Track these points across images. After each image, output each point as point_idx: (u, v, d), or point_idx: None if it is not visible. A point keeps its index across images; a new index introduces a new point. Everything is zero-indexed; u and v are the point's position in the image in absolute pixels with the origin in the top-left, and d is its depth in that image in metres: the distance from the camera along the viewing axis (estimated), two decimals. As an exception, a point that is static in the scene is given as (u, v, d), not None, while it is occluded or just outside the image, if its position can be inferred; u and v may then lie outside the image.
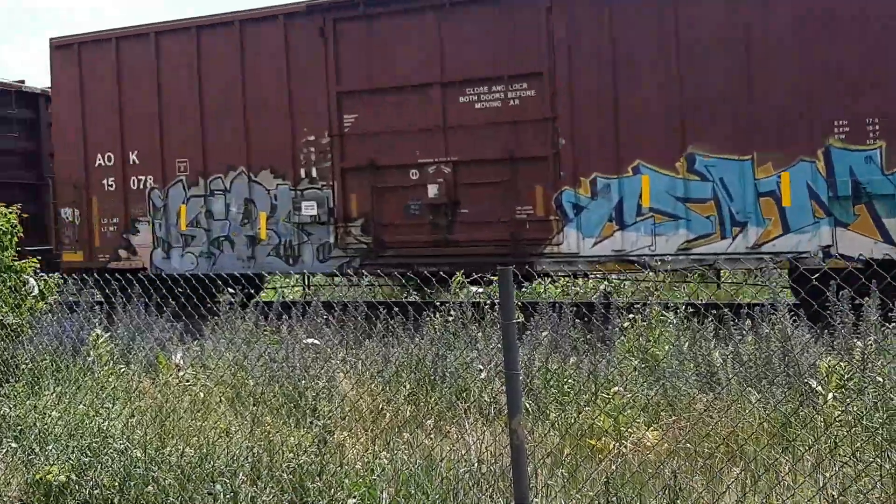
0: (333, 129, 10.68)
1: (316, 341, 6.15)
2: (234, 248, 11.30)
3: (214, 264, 11.27)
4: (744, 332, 5.72)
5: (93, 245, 12.17)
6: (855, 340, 5.26)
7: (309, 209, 10.73)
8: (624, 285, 10.92)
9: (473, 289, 7.20)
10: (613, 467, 4.08)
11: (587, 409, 4.94)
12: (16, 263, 6.21)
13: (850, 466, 3.75)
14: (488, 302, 6.44)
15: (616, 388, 4.78)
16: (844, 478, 3.66)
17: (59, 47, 12.44)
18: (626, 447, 4.42)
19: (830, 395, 4.60)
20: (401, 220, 10.37)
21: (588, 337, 6.14)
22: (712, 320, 5.93)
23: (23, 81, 14.48)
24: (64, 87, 12.37)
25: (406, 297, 10.86)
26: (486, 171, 9.94)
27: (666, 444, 4.38)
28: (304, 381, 5.42)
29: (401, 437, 4.69)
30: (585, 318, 6.51)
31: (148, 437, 4.64)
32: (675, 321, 6.04)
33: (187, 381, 5.84)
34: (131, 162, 11.93)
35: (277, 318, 6.98)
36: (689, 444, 4.30)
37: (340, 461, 4.33)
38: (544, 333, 6.15)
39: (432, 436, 4.77)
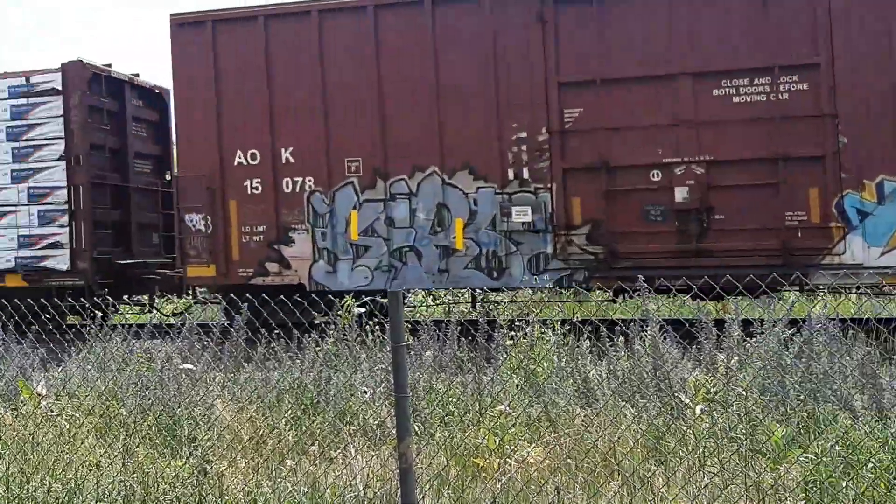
0: (553, 125, 9.46)
1: (191, 367, 5.93)
2: (420, 261, 9.88)
3: (395, 279, 9.90)
4: (618, 347, 5.96)
5: (229, 258, 10.39)
6: (718, 355, 5.58)
7: (521, 215, 9.54)
8: (504, 303, 11.11)
9: (357, 310, 7.15)
10: (499, 486, 4.15)
11: (472, 428, 5.00)
12: None
13: (718, 477, 3.97)
14: (370, 323, 6.42)
15: (500, 407, 4.87)
16: (714, 488, 3.87)
17: (185, 25, 10.57)
18: (510, 465, 4.50)
19: (698, 409, 4.86)
20: (638, 228, 9.26)
21: (472, 355, 6.22)
22: (587, 337, 6.14)
23: (137, 75, 13.13)
24: (191, 71, 10.55)
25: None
26: (747, 173, 9.00)
27: (548, 461, 4.49)
28: (179, 409, 5.21)
29: (284, 465, 4.59)
30: (470, 337, 6.60)
31: (10, 472, 4.33)
32: (553, 338, 6.21)
33: (52, 411, 5.50)
34: (284, 160, 10.25)
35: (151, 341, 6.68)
36: (570, 460, 4.43)
37: (220, 492, 4.19)
38: (427, 353, 6.18)
39: (317, 462, 4.68)
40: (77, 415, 5.32)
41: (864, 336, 5.98)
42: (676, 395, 5.11)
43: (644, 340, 5.75)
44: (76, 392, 5.96)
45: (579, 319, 5.84)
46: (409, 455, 3.60)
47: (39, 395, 5.84)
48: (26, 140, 11.76)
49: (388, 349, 4.25)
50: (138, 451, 4.75)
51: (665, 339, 5.79)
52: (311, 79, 10.15)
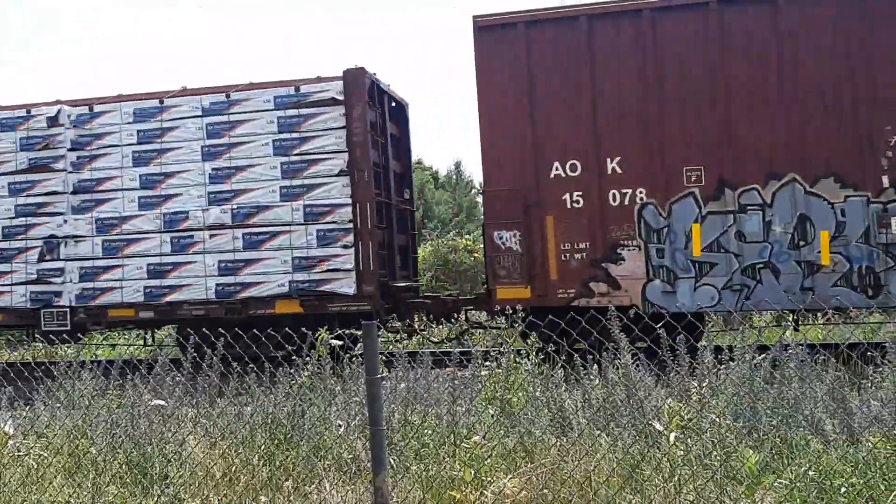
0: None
1: (162, 402, 5.84)
2: (778, 278, 9.13)
3: (747, 298, 9.15)
4: (591, 375, 5.98)
5: (547, 277, 9.68)
6: (691, 382, 5.62)
7: None
8: (477, 332, 11.10)
9: (333, 342, 7.10)
10: (475, 518, 4.12)
11: (448, 460, 4.97)
12: None
13: (694, 504, 3.99)
14: (347, 355, 6.37)
15: (476, 438, 4.85)
16: (690, 515, 3.88)
17: (491, 28, 10.00)
18: (486, 497, 4.47)
19: (672, 436, 4.89)
20: None
21: (448, 386, 6.20)
22: (562, 365, 6.15)
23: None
24: (499, 77, 9.92)
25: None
26: None
27: (525, 492, 4.47)
28: (150, 447, 5.12)
29: (257, 502, 4.52)
30: (444, 368, 6.58)
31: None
32: (528, 367, 6.22)
33: (18, 450, 5.38)
34: (609, 171, 9.58)
35: (120, 377, 6.56)
36: (546, 490, 4.41)
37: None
38: (402, 385, 6.15)
39: (291, 498, 4.62)
40: (45, 454, 5.21)
41: (833, 361, 6.06)
42: (651, 422, 5.13)
43: (617, 368, 5.78)
44: (43, 431, 5.84)
45: (553, 348, 5.86)
46: (385, 489, 3.58)
47: (6, 434, 5.72)
48: (298, 154, 10.84)
49: (363, 381, 4.24)
50: (108, 490, 4.66)
51: (638, 366, 5.82)
52: (640, 81, 9.60)
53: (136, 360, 6.73)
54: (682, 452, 4.58)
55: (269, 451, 5.40)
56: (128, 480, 4.92)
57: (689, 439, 4.70)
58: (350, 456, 5.30)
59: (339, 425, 5.58)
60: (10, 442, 5.59)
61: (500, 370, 6.22)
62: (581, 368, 5.88)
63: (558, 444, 5.19)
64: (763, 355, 5.84)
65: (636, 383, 5.48)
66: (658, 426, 5.01)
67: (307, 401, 5.84)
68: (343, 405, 5.78)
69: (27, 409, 6.30)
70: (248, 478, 4.96)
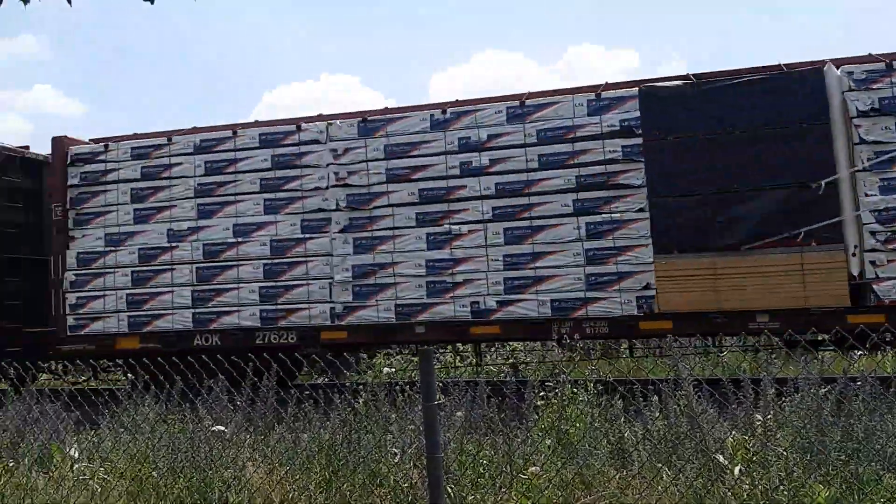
0: None
1: (223, 428, 5.92)
2: None
3: None
4: (652, 408, 5.86)
5: None
6: (755, 414, 5.46)
7: None
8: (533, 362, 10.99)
9: (386, 369, 7.12)
10: (534, 550, 4.05)
11: (503, 491, 4.91)
12: None
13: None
14: (401, 382, 6.37)
15: (533, 468, 4.79)
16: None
17: None
18: (545, 529, 4.40)
19: (737, 469, 4.75)
20: None
21: (503, 416, 6.14)
22: (620, 397, 6.04)
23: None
24: None
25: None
26: None
27: (584, 524, 4.39)
28: (210, 472, 5.18)
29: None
30: (500, 397, 6.53)
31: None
32: (586, 398, 6.12)
33: (83, 474, 5.50)
34: None
35: (180, 404, 6.68)
36: (606, 524, 4.32)
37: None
38: (459, 413, 6.12)
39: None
40: (109, 478, 5.32)
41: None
42: (714, 455, 5.00)
43: (679, 400, 5.66)
44: (107, 455, 5.96)
45: (612, 379, 5.77)
46: (443, 518, 3.55)
47: (72, 458, 5.86)
48: None
49: (419, 409, 4.23)
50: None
51: (700, 398, 5.69)
52: None
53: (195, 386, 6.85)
54: (747, 486, 4.44)
55: (325, 479, 5.41)
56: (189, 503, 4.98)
57: (754, 473, 4.56)
58: (406, 484, 5.28)
59: (395, 453, 5.57)
60: (76, 466, 5.71)
61: (556, 400, 6.14)
62: (641, 399, 5.77)
63: (618, 476, 5.09)
64: (828, 387, 5.65)
65: (699, 415, 5.35)
66: (722, 459, 4.88)
67: (363, 428, 5.86)
68: (398, 432, 5.77)
69: (92, 433, 6.44)
70: (306, 504, 4.97)
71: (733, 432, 5.23)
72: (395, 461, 5.42)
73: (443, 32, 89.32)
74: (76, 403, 6.79)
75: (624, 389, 5.98)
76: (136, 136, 12.34)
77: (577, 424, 5.88)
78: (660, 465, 5.12)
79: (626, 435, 5.60)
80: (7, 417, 6.69)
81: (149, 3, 3.75)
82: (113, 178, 12.02)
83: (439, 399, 3.89)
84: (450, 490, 4.89)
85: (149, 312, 11.60)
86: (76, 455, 5.79)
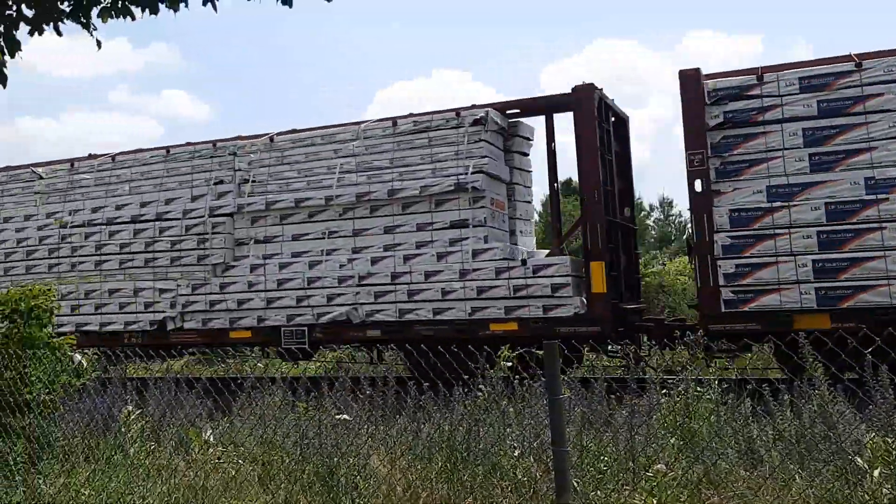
0: None
1: (346, 417, 6.10)
2: None
3: None
4: (782, 407, 5.64)
5: None
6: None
7: None
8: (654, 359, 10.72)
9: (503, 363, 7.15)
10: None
11: (627, 488, 4.84)
12: (53, 341, 6.24)
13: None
14: (517, 377, 6.38)
15: (658, 466, 4.70)
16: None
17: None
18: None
19: (876, 472, 4.51)
20: None
21: (623, 412, 6.05)
22: (747, 396, 5.84)
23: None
24: None
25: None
26: None
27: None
28: (335, 459, 5.35)
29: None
30: (617, 394, 6.44)
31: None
32: (711, 396, 5.95)
33: (218, 458, 5.79)
34: None
35: (306, 393, 6.93)
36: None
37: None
38: (577, 409, 6.07)
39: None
40: (242, 462, 5.58)
41: None
42: (851, 458, 4.76)
43: (812, 400, 5.42)
44: (238, 441, 6.25)
45: (738, 377, 5.59)
46: (570, 511, 3.53)
47: (206, 442, 6.18)
48: None
49: (545, 402, 4.22)
50: (299, 499, 4.91)
51: (835, 399, 5.43)
52: None
53: (321, 377, 7.09)
54: (888, 491, 4.22)
55: (447, 469, 5.49)
56: (317, 489, 5.16)
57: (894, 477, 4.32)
58: (525, 478, 5.28)
59: (514, 447, 5.58)
60: (210, 450, 6.02)
61: (679, 398, 6.00)
62: (771, 399, 5.56)
63: (748, 476, 4.93)
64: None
65: (834, 415, 5.11)
66: (861, 462, 4.64)
67: (483, 421, 5.90)
68: (518, 427, 5.78)
69: (225, 420, 6.77)
70: (427, 494, 5.06)
71: (872, 434, 4.97)
72: (517, 454, 5.43)
73: (553, 24, 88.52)
74: (207, 392, 7.12)
75: (750, 388, 5.78)
76: (803, 65, 9.82)
77: (702, 423, 5.73)
78: (793, 466, 4.92)
79: (755, 434, 5.41)
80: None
81: (287, 6, 3.91)
82: (774, 117, 9.69)
83: (564, 394, 3.88)
84: (574, 484, 4.87)
85: (848, 284, 9.15)
86: (211, 440, 6.10)
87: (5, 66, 4.58)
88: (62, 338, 6.30)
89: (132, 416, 6.18)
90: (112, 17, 4.42)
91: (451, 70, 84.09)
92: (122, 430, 6.08)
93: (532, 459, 5.39)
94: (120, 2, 4.36)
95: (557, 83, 79.96)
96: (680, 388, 6.04)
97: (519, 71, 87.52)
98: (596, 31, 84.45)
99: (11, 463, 5.58)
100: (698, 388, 6.06)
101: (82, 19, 4.33)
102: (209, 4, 4.26)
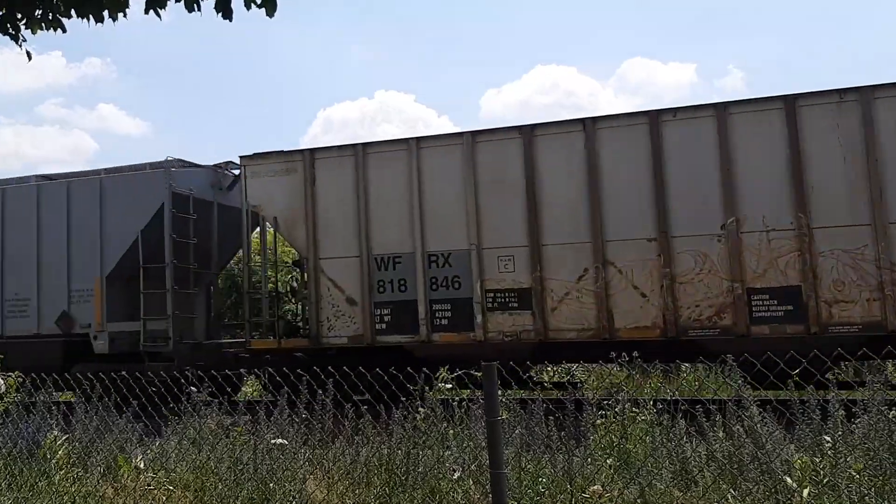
0: None
1: (283, 441, 5.99)
2: None
3: None
4: (714, 428, 5.74)
5: None
6: (823, 436, 5.31)
7: None
8: (591, 380, 10.86)
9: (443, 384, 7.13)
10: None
11: (565, 509, 4.85)
12: (-26, 362, 5.98)
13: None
14: (457, 398, 6.36)
15: (595, 487, 4.73)
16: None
17: None
18: (607, 549, 4.34)
19: (806, 492, 4.62)
20: None
21: (561, 434, 6.09)
22: (682, 417, 5.93)
23: None
24: None
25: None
26: None
27: (648, 545, 4.31)
28: (272, 484, 5.24)
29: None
30: (555, 415, 6.47)
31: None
32: (647, 417, 6.04)
33: (148, 484, 5.62)
34: None
35: (242, 416, 6.79)
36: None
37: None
38: (516, 431, 6.08)
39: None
40: (173, 489, 5.42)
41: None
42: (781, 477, 4.87)
43: (742, 421, 5.54)
44: (171, 466, 6.07)
45: (673, 398, 5.68)
46: (507, 534, 3.52)
47: (136, 468, 5.99)
48: None
49: (483, 424, 4.21)
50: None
51: (764, 419, 5.56)
52: None
53: (258, 401, 6.95)
54: (816, 510, 4.32)
55: (384, 494, 5.43)
56: (251, 517, 5.04)
57: (825, 497, 4.43)
58: (464, 502, 5.26)
59: (454, 469, 5.56)
60: (141, 476, 5.84)
61: (615, 419, 6.07)
62: (704, 420, 5.66)
63: (682, 497, 5.00)
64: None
65: (764, 436, 5.23)
66: (790, 481, 4.76)
67: (421, 444, 5.86)
68: (457, 448, 5.76)
69: (156, 445, 6.57)
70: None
71: (800, 454, 5.10)
72: (455, 477, 5.41)
73: (495, 49, 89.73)
74: (145, 413, 6.90)
75: (684, 409, 5.89)
76: None
77: (636, 443, 5.80)
78: (725, 486, 5.02)
79: (689, 455, 5.50)
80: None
81: (227, 20, 3.86)
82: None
83: (502, 415, 3.88)
84: (511, 507, 4.86)
85: None
86: (141, 465, 5.92)
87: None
88: (-16, 361, 6.04)
89: (58, 441, 5.95)
90: (42, 29, 4.30)
91: (394, 92, 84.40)
92: (48, 455, 5.85)
93: (471, 482, 5.37)
94: (51, 14, 4.24)
95: (497, 107, 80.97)
96: (616, 409, 6.12)
97: (460, 95, 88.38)
98: (536, 57, 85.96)
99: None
100: (634, 410, 6.15)
101: (11, 31, 4.20)
102: (151, 12, 4.17)
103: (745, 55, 72.76)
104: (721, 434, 5.68)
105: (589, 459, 5.53)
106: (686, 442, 5.76)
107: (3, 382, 5.86)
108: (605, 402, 6.52)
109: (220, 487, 5.37)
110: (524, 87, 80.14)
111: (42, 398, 6.95)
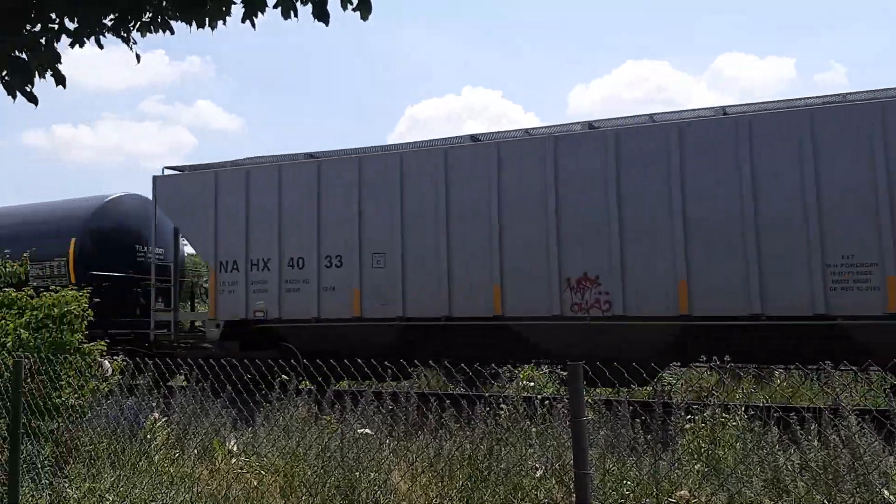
0: None
1: (368, 431, 6.11)
2: None
3: None
4: (809, 437, 5.54)
5: None
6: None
7: None
8: (680, 384, 10.61)
9: (525, 382, 7.12)
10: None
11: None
12: (83, 346, 6.33)
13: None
14: (539, 397, 6.35)
15: (682, 492, 4.65)
16: None
17: None
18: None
19: (907, 507, 4.42)
20: None
21: (647, 437, 6.00)
22: (775, 424, 5.75)
23: None
24: None
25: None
26: None
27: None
28: (357, 473, 5.35)
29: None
30: (642, 418, 6.38)
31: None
32: (737, 423, 5.87)
33: (240, 468, 5.83)
34: None
35: (330, 406, 6.95)
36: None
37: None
38: (601, 432, 6.02)
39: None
40: (264, 473, 5.61)
41: None
42: (879, 490, 4.67)
43: (839, 430, 5.33)
44: (261, 451, 6.28)
45: (766, 405, 5.51)
46: (590, 535, 3.50)
47: (230, 451, 6.22)
48: None
49: (566, 423, 4.19)
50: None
51: (862, 429, 5.33)
52: None
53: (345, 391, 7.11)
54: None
55: (466, 488, 5.47)
56: (338, 503, 5.17)
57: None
58: (546, 500, 5.25)
59: (536, 468, 5.55)
60: (234, 460, 6.06)
61: (704, 424, 5.93)
62: (798, 427, 5.48)
63: (771, 505, 4.85)
64: None
65: (862, 446, 5.02)
66: (888, 494, 4.56)
67: (504, 440, 5.87)
68: (540, 447, 5.75)
69: (248, 430, 6.81)
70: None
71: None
72: (538, 475, 5.40)
73: (585, 45, 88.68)
74: (232, 402, 7.15)
75: (777, 417, 5.71)
76: None
77: (726, 449, 5.65)
78: (819, 497, 4.84)
79: (782, 463, 5.33)
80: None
81: (323, 23, 3.96)
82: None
83: (588, 416, 3.86)
84: (595, 508, 4.83)
85: None
86: (234, 449, 6.14)
87: (48, 72, 4.62)
88: (92, 343, 6.39)
89: (158, 424, 6.24)
90: (151, 32, 4.50)
91: (481, 88, 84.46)
92: (148, 436, 6.14)
93: (554, 482, 5.35)
94: (160, 17, 4.44)
95: (585, 103, 79.93)
96: (706, 414, 5.98)
97: (548, 91, 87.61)
98: (626, 52, 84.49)
99: (39, 466, 5.66)
100: (724, 415, 5.99)
101: (123, 33, 4.41)
102: (248, 21, 4.32)
103: (848, 49, 69.56)
104: (816, 443, 5.49)
105: (676, 464, 5.43)
106: (779, 450, 5.59)
107: (109, 366, 6.19)
108: (694, 405, 6.38)
109: (308, 473, 5.53)
110: (613, 83, 78.93)
111: (143, 381, 7.31)
